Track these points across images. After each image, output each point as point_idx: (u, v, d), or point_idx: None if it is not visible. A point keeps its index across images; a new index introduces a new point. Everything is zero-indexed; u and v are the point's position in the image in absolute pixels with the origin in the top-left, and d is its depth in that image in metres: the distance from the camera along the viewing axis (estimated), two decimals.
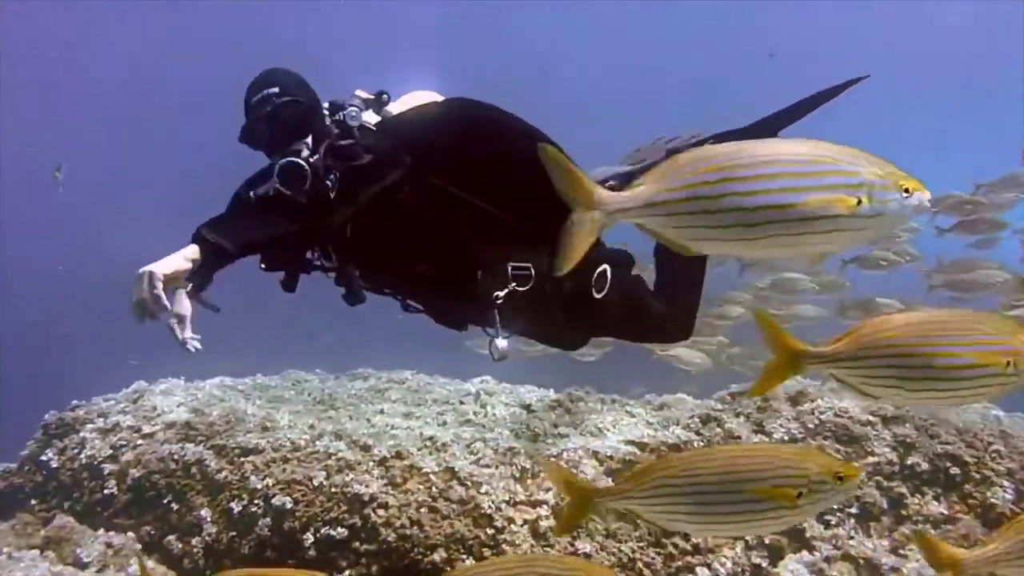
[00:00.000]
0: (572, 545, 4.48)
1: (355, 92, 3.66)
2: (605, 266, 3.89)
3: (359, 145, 3.43)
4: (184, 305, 3.17)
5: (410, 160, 3.46)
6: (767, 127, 4.28)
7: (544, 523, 4.56)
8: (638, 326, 4.34)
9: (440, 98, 3.88)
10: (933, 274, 7.45)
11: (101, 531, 4.19)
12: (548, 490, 4.73)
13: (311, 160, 3.33)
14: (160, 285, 2.98)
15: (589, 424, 5.79)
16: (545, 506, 4.65)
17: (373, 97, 3.67)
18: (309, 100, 3.46)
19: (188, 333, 3.16)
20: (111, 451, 5.07)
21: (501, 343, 3.75)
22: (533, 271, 3.70)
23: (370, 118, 3.62)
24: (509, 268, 3.67)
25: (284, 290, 3.69)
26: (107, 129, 24.07)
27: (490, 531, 4.54)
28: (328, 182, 3.35)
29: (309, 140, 3.40)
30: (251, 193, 3.40)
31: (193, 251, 3.12)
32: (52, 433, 5.41)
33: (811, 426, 5.01)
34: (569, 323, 4.09)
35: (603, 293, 3.89)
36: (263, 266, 3.55)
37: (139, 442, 5.09)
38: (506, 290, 3.66)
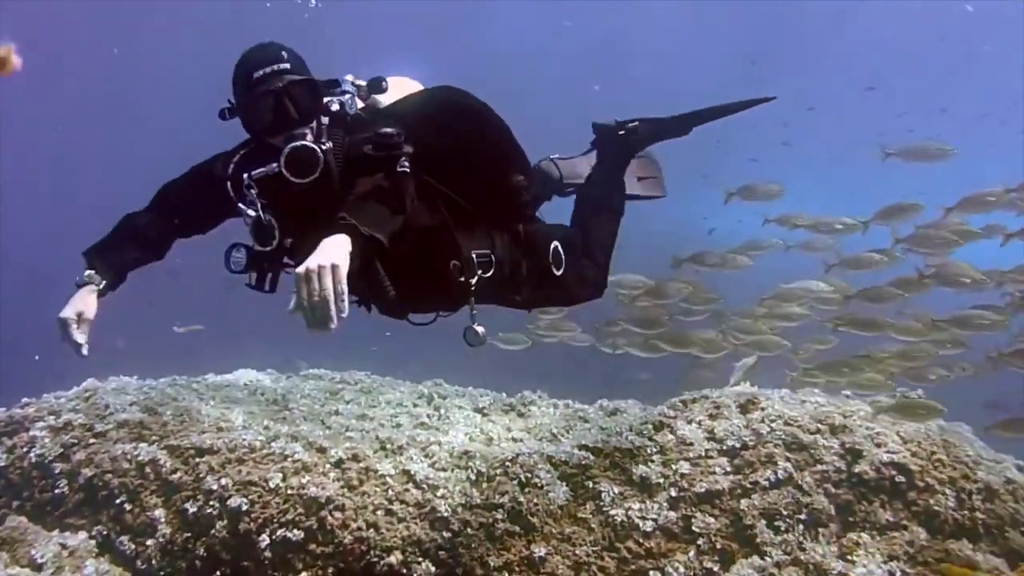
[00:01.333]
0: (527, 549, 4.53)
1: (346, 77, 3.63)
2: (556, 243, 4.05)
3: (400, 135, 3.38)
4: (79, 305, 3.32)
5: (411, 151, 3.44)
6: (685, 122, 4.84)
7: (501, 526, 4.60)
8: (584, 290, 4.48)
9: (419, 86, 3.92)
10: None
11: (56, 532, 4.13)
12: (503, 493, 4.78)
13: (323, 147, 3.33)
14: (70, 329, 3.24)
15: (543, 429, 5.85)
16: (501, 510, 4.68)
17: (365, 84, 3.67)
18: (318, 82, 3.43)
19: (82, 337, 3.29)
20: (62, 450, 4.99)
21: (480, 328, 3.79)
22: (492, 257, 3.78)
23: (356, 104, 3.64)
24: (474, 255, 3.73)
25: (268, 291, 3.67)
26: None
27: (447, 534, 4.57)
28: (335, 170, 3.35)
29: (313, 124, 3.39)
30: (245, 175, 3.33)
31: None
32: (1, 431, 5.30)
33: (763, 433, 5.11)
34: (532, 300, 4.26)
35: (562, 270, 4.06)
36: (234, 267, 3.55)
37: (91, 441, 5.02)
38: (477, 276, 3.71)
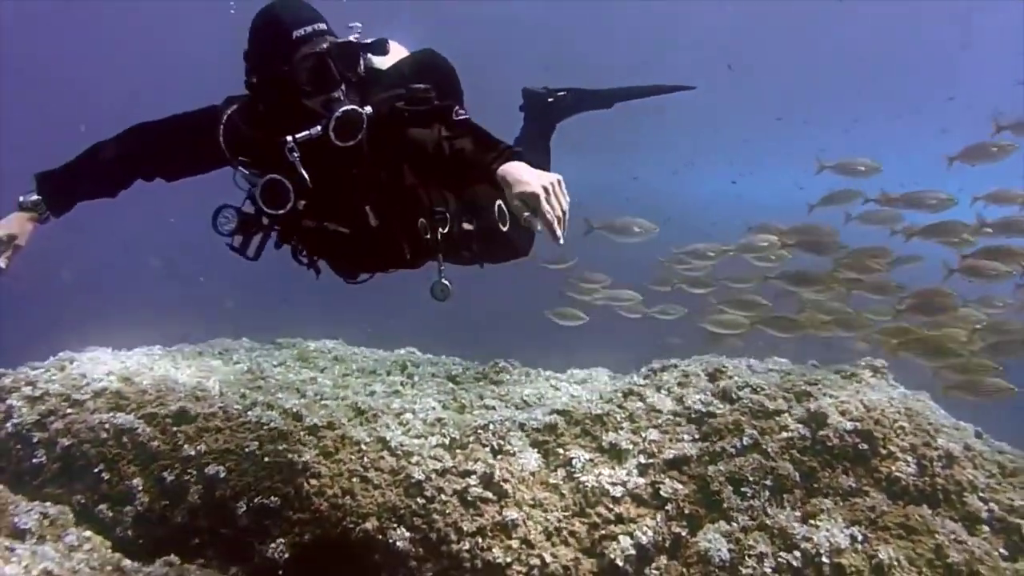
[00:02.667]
0: (500, 514, 4.62)
1: (350, 38, 3.59)
2: (499, 201, 4.10)
3: (431, 93, 3.50)
4: (14, 228, 3.33)
5: None
6: (608, 96, 5.08)
7: (474, 491, 4.70)
8: (525, 245, 4.62)
9: (405, 51, 3.96)
10: None
11: (36, 502, 4.18)
12: (476, 460, 4.87)
13: (366, 111, 3.38)
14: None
15: (515, 396, 5.93)
16: (474, 476, 4.78)
17: (367, 43, 3.61)
18: (359, 45, 3.46)
19: (3, 261, 3.29)
20: (39, 419, 5.02)
21: (446, 282, 3.89)
22: (447, 214, 3.89)
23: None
24: (435, 211, 3.85)
25: (251, 259, 3.76)
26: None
27: (421, 500, 4.66)
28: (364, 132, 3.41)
29: (344, 87, 3.42)
30: (289, 138, 3.35)
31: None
32: None
33: (730, 400, 5.22)
34: (481, 255, 4.32)
35: (507, 226, 4.15)
36: (222, 230, 3.61)
37: (68, 411, 5.04)
38: (440, 231, 3.84)
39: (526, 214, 2.83)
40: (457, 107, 3.43)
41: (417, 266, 3.99)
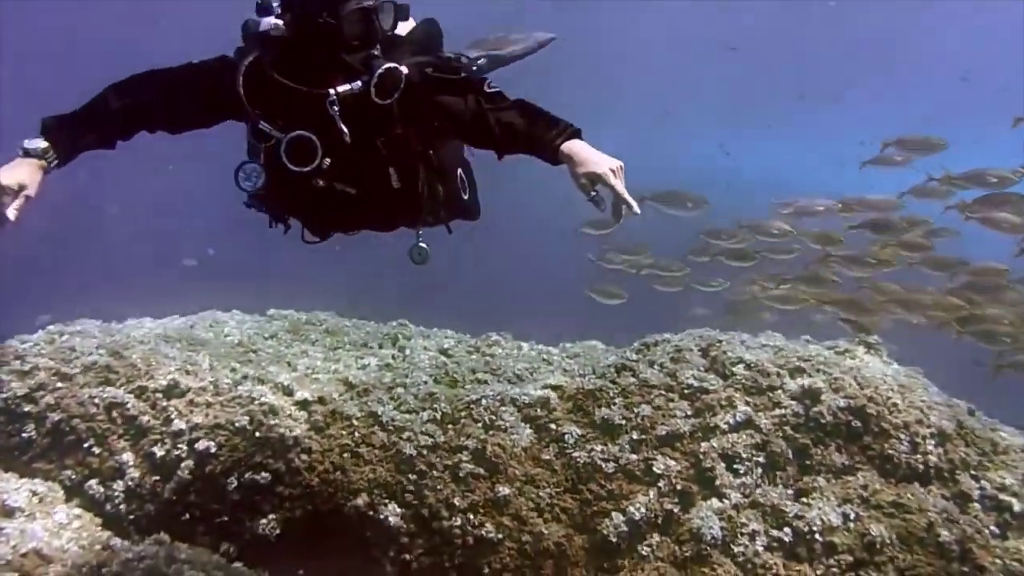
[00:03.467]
0: (492, 491, 4.61)
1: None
2: (459, 169, 4.15)
3: (461, 61, 3.64)
4: (22, 176, 3.08)
5: None
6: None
7: (466, 467, 4.68)
8: (478, 210, 4.55)
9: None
10: None
11: (25, 479, 4.16)
12: (468, 436, 4.85)
13: (405, 70, 3.38)
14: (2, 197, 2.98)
15: (507, 370, 5.91)
16: (466, 451, 4.76)
17: (402, 5, 3.56)
18: (402, 6, 3.45)
19: (12, 213, 3.04)
20: (28, 393, 4.96)
21: (423, 246, 4.02)
22: (421, 178, 3.86)
23: None
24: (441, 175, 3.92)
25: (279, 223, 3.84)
26: None
27: (412, 476, 4.65)
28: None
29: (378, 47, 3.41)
30: (331, 91, 3.31)
31: None
32: None
33: (723, 376, 5.20)
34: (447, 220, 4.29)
35: (467, 195, 4.20)
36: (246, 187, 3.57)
37: (58, 385, 4.99)
38: (439, 194, 3.90)
39: (592, 193, 3.07)
40: (488, 80, 3.50)
41: (394, 229, 4.02)
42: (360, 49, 3.34)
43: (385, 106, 3.38)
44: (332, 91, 3.30)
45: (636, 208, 3.06)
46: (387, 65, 3.31)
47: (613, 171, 3.02)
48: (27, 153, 3.19)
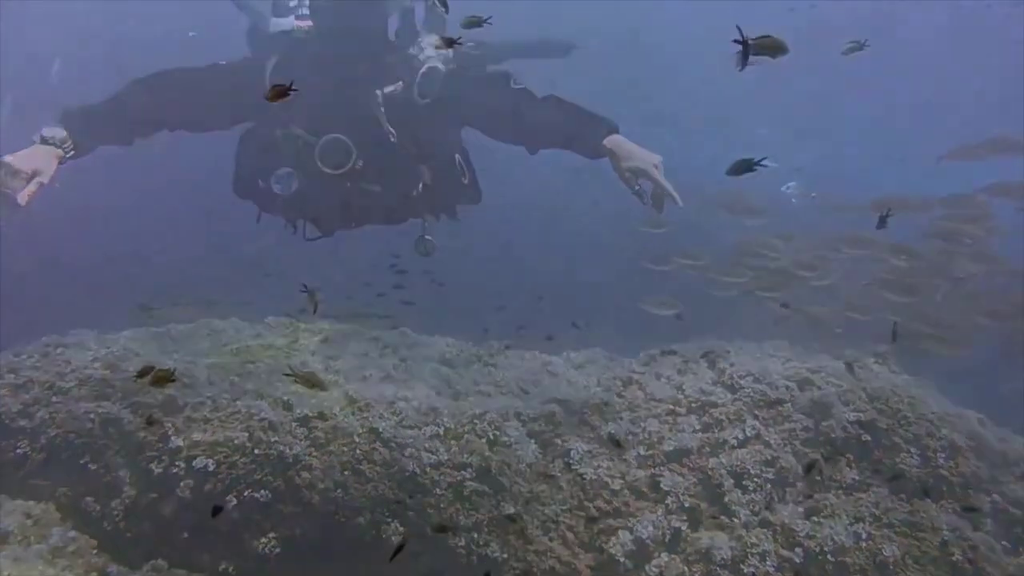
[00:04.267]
0: (497, 508, 4.53)
1: None
2: (456, 155, 4.11)
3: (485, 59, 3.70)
4: (39, 163, 3.05)
5: None
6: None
7: (470, 485, 4.60)
8: (478, 194, 4.56)
9: None
10: None
11: (19, 501, 4.06)
12: (472, 452, 4.76)
13: (443, 68, 3.42)
14: (15, 180, 2.94)
15: (510, 382, 5.82)
16: (469, 469, 4.67)
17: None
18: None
19: (24, 198, 2.98)
20: (23, 408, 4.86)
21: (429, 238, 4.08)
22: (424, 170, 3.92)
23: None
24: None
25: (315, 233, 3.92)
26: None
27: (415, 494, 4.56)
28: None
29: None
30: (378, 91, 3.36)
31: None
32: None
33: (731, 389, 5.13)
34: (446, 208, 4.31)
35: (467, 179, 4.17)
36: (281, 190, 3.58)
37: (53, 399, 4.90)
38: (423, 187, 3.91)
39: (636, 187, 3.18)
40: (513, 76, 3.57)
41: (397, 222, 4.09)
42: (401, 48, 3.41)
43: (423, 105, 3.42)
44: (379, 92, 3.32)
45: (679, 200, 3.14)
46: (429, 64, 3.36)
47: (656, 165, 3.13)
48: (44, 140, 3.20)
